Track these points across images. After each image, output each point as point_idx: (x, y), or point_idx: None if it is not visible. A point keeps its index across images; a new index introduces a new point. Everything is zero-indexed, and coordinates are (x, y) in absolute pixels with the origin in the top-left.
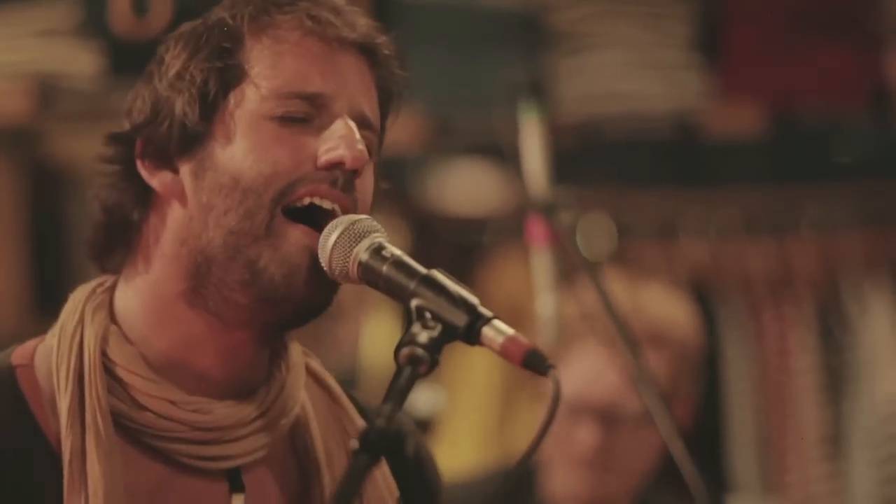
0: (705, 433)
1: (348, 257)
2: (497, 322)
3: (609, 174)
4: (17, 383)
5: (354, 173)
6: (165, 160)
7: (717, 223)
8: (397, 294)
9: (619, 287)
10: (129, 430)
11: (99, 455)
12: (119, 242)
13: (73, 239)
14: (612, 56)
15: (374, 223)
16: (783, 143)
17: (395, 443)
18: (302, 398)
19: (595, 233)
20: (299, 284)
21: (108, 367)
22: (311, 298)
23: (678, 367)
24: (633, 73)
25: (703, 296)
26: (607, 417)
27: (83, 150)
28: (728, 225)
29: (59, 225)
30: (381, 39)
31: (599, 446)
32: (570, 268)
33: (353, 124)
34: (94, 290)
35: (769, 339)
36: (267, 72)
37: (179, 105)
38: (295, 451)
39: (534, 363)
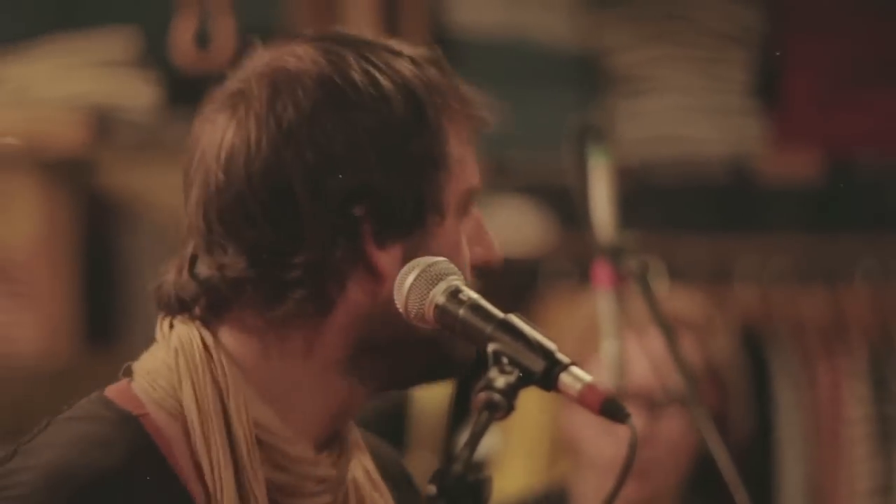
0: (757, 482)
1: (425, 300)
2: (575, 369)
3: (662, 218)
4: (151, 437)
5: None
6: (386, 238)
7: (771, 270)
8: (474, 338)
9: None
10: (270, 491)
11: None
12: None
13: (128, 270)
14: (669, 100)
15: (451, 265)
16: (839, 191)
17: (473, 489)
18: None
19: (651, 277)
20: (469, 361)
21: (255, 434)
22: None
23: (704, 354)
24: (689, 117)
25: (755, 343)
26: (649, 403)
27: (139, 181)
28: (781, 272)
29: (113, 256)
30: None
31: (644, 436)
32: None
33: None
34: (207, 351)
35: (822, 388)
36: (460, 165)
37: (421, 185)
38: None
39: (611, 411)
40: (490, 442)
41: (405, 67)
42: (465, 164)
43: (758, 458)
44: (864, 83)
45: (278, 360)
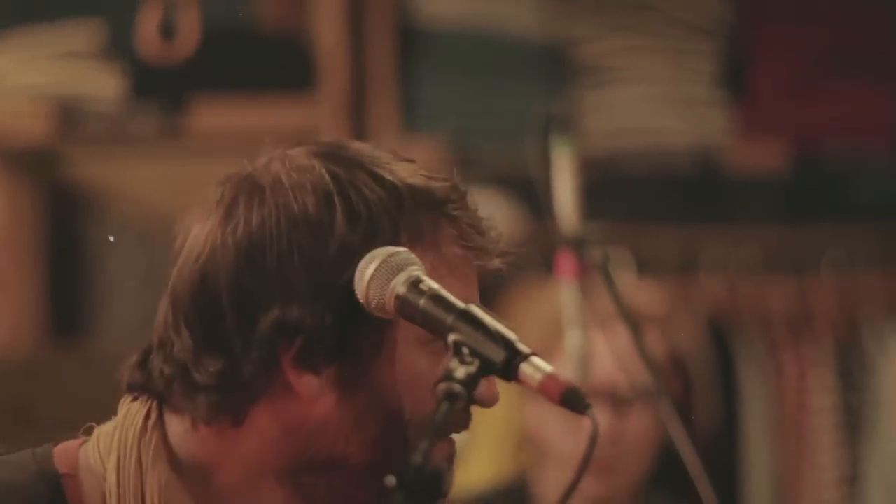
0: (722, 471)
1: (385, 290)
2: (535, 359)
3: (629, 209)
4: (65, 494)
5: None
6: (312, 363)
7: (738, 261)
8: (434, 328)
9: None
10: None
11: None
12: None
13: (93, 262)
14: (636, 91)
15: (412, 256)
16: (805, 182)
17: (432, 481)
18: None
19: (614, 268)
20: None
21: None
22: None
23: (667, 346)
24: (656, 108)
25: (722, 333)
26: (613, 399)
27: (104, 173)
28: (748, 263)
29: (78, 248)
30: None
31: (611, 434)
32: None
33: None
34: (144, 426)
35: (788, 378)
36: None
37: (354, 315)
38: None
39: (572, 401)
40: (457, 437)
41: (374, 192)
42: None
43: (723, 448)
44: (832, 74)
45: (208, 459)
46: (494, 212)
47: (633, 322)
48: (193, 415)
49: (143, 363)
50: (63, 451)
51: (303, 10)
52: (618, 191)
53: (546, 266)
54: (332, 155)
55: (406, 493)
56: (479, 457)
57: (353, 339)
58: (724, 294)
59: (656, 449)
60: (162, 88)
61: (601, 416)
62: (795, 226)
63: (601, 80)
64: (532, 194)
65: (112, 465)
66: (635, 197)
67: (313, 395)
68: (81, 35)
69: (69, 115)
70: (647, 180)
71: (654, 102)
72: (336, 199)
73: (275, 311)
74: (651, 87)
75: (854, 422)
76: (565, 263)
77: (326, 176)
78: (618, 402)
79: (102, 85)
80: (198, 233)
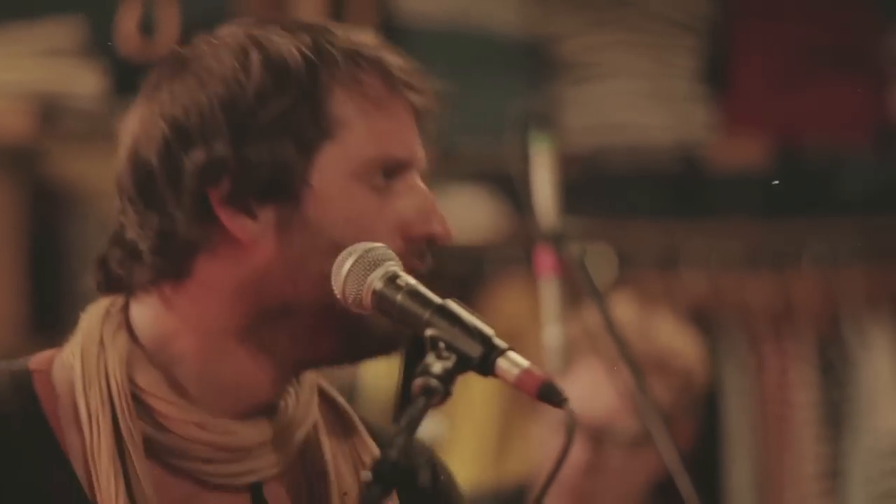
0: (704, 467)
1: (362, 285)
2: (512, 354)
3: (612, 205)
4: (33, 387)
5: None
6: (244, 204)
7: (719, 255)
8: (411, 323)
9: (628, 312)
10: (154, 450)
11: (135, 480)
12: (159, 266)
13: (73, 259)
14: (617, 86)
15: (389, 251)
16: (787, 177)
17: (408, 475)
18: (315, 415)
19: (596, 263)
20: (398, 338)
21: (132, 391)
22: (399, 342)
23: (680, 397)
24: (638, 104)
25: (704, 328)
26: (599, 438)
27: (85, 170)
28: (730, 257)
29: (59, 245)
30: (434, 99)
31: (587, 467)
32: (576, 294)
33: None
34: (108, 312)
35: (769, 373)
36: (358, 131)
37: (277, 152)
38: (306, 471)
39: (549, 395)
40: (435, 428)
41: (290, 41)
42: (364, 132)
43: (706, 443)
44: (813, 69)
45: (165, 325)
46: (477, 208)
47: (618, 332)
48: (143, 282)
49: (103, 261)
50: (42, 354)
51: (283, 7)
52: (600, 186)
53: (526, 262)
54: (256, 22)
55: (382, 488)
56: (461, 451)
57: (280, 175)
58: (706, 289)
59: (646, 485)
60: (143, 85)
61: (579, 447)
62: (777, 221)
63: (582, 76)
64: (512, 190)
65: (77, 353)
66: (617, 192)
67: (252, 238)
68: (62, 32)
69: (50, 112)
70: (629, 176)
71: (636, 98)
72: (252, 51)
73: (198, 155)
74: (632, 82)
75: (835, 416)
76: (544, 259)
77: (245, 37)
78: (599, 438)
79: (83, 82)
80: (130, 119)
